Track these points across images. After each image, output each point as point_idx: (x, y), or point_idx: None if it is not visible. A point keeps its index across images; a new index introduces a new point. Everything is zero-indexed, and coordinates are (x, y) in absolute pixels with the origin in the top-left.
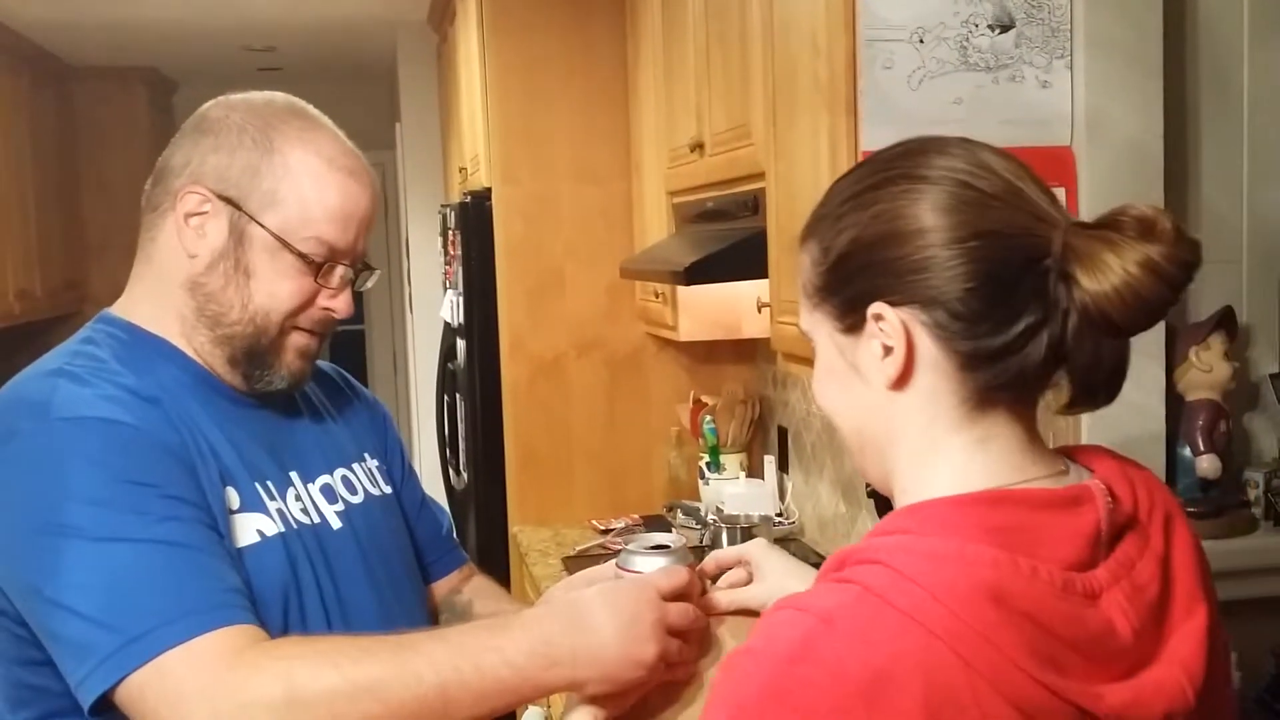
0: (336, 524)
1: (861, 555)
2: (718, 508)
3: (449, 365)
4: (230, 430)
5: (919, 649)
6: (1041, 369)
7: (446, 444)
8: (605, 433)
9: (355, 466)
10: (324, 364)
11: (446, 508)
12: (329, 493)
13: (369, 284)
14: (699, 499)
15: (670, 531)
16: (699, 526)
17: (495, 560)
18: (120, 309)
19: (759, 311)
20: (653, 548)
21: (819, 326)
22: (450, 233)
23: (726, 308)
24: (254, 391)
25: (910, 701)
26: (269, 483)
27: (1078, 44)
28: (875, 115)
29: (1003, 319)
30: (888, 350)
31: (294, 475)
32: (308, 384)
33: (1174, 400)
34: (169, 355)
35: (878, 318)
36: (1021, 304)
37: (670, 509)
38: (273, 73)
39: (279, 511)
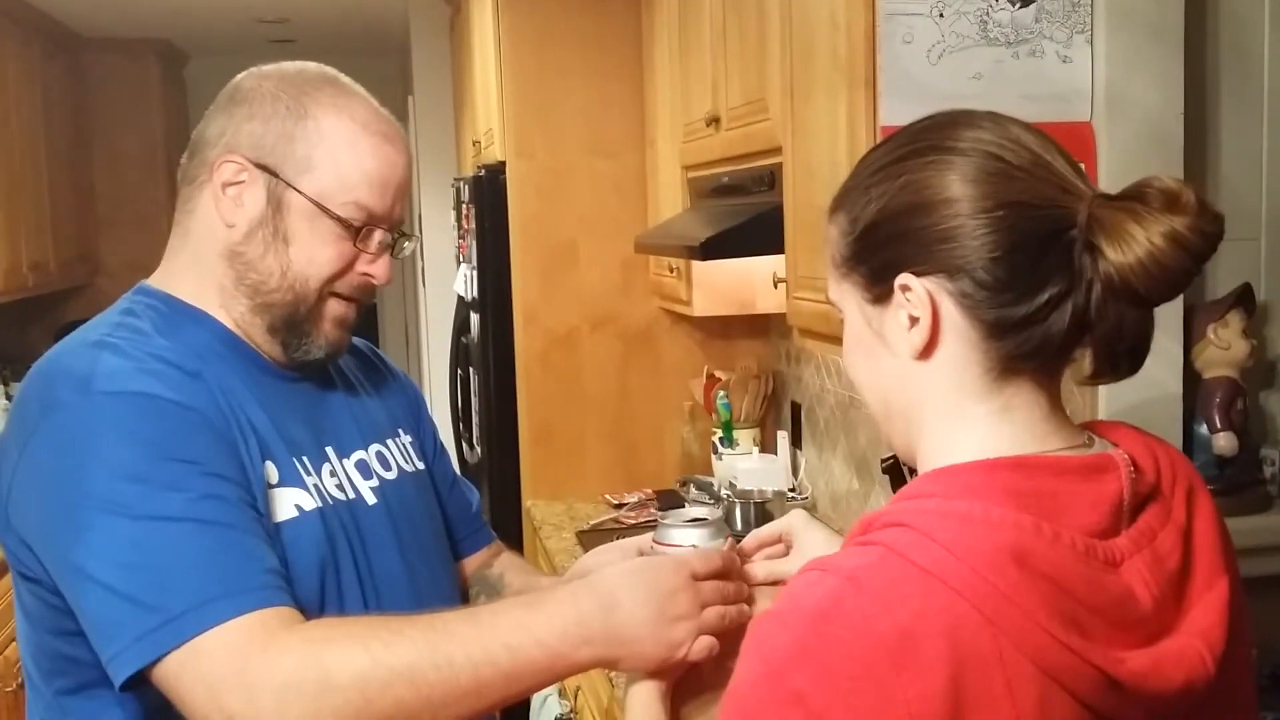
0: (371, 499)
1: (887, 518)
2: (731, 483)
3: (462, 339)
4: (269, 403)
5: (944, 608)
6: (1065, 339)
7: (460, 418)
8: (619, 407)
9: (389, 442)
10: (357, 340)
11: None
12: (364, 468)
13: (406, 251)
14: (712, 474)
15: (686, 505)
16: (712, 501)
17: (509, 534)
18: (159, 281)
19: (775, 287)
20: (690, 520)
21: (847, 297)
22: (464, 206)
23: (741, 283)
24: (292, 362)
25: (936, 659)
26: (305, 458)
27: (1098, 19)
28: (894, 90)
29: (1027, 288)
30: (914, 320)
31: (330, 450)
32: (343, 358)
33: (1191, 377)
34: (209, 327)
35: (904, 288)
36: (1046, 274)
37: (683, 484)
38: (285, 44)
39: (315, 487)
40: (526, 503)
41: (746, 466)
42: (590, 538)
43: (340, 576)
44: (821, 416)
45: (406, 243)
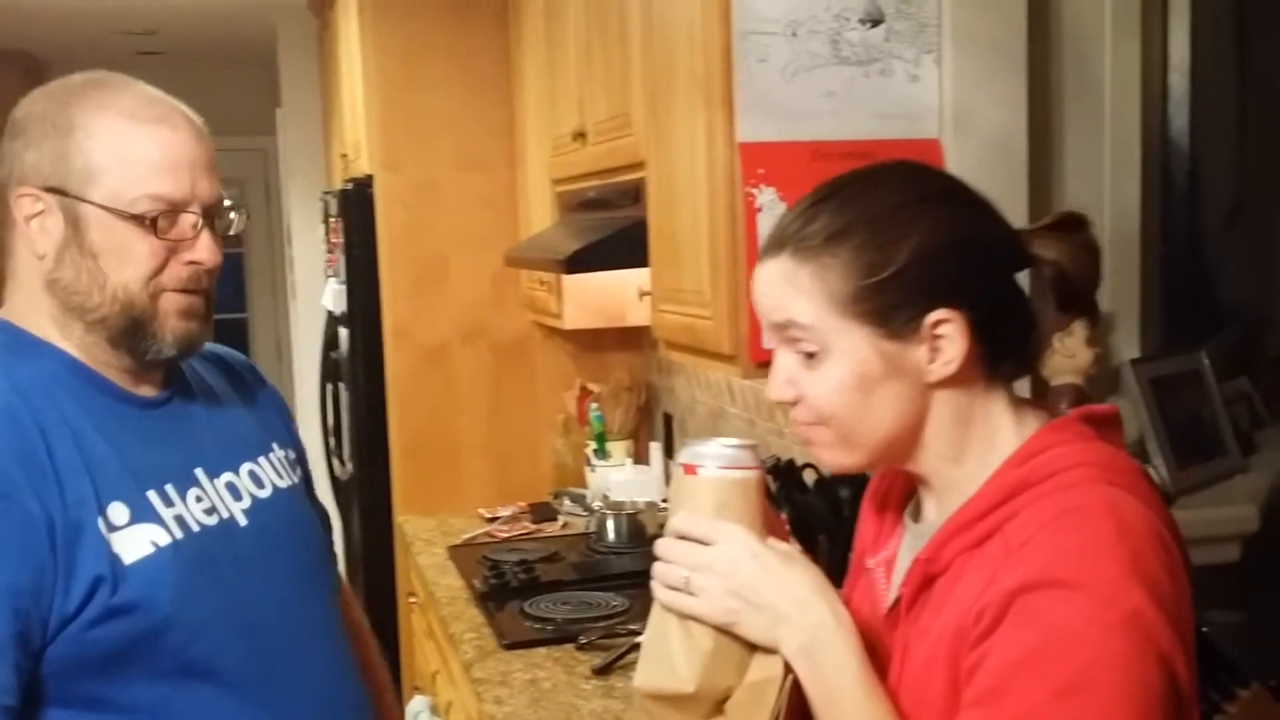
0: (243, 521)
1: (1050, 465)
2: (604, 495)
3: (331, 354)
4: (120, 437)
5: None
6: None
7: (330, 433)
8: (491, 421)
9: (262, 460)
10: (228, 352)
11: (331, 497)
12: (234, 489)
13: (236, 227)
14: (586, 486)
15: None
16: (585, 514)
17: (379, 550)
18: (6, 313)
19: (640, 300)
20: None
21: (847, 334)
22: (332, 220)
23: (611, 296)
24: (147, 366)
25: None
26: (169, 486)
27: (945, 39)
28: (750, 107)
29: (1016, 308)
30: (936, 353)
31: (199, 473)
32: (211, 374)
33: (1039, 384)
34: (55, 358)
35: (939, 323)
36: (1020, 291)
37: (557, 496)
38: (152, 56)
39: (177, 518)
40: (398, 518)
41: (620, 478)
42: (462, 553)
43: (206, 605)
44: (693, 427)
45: (233, 215)
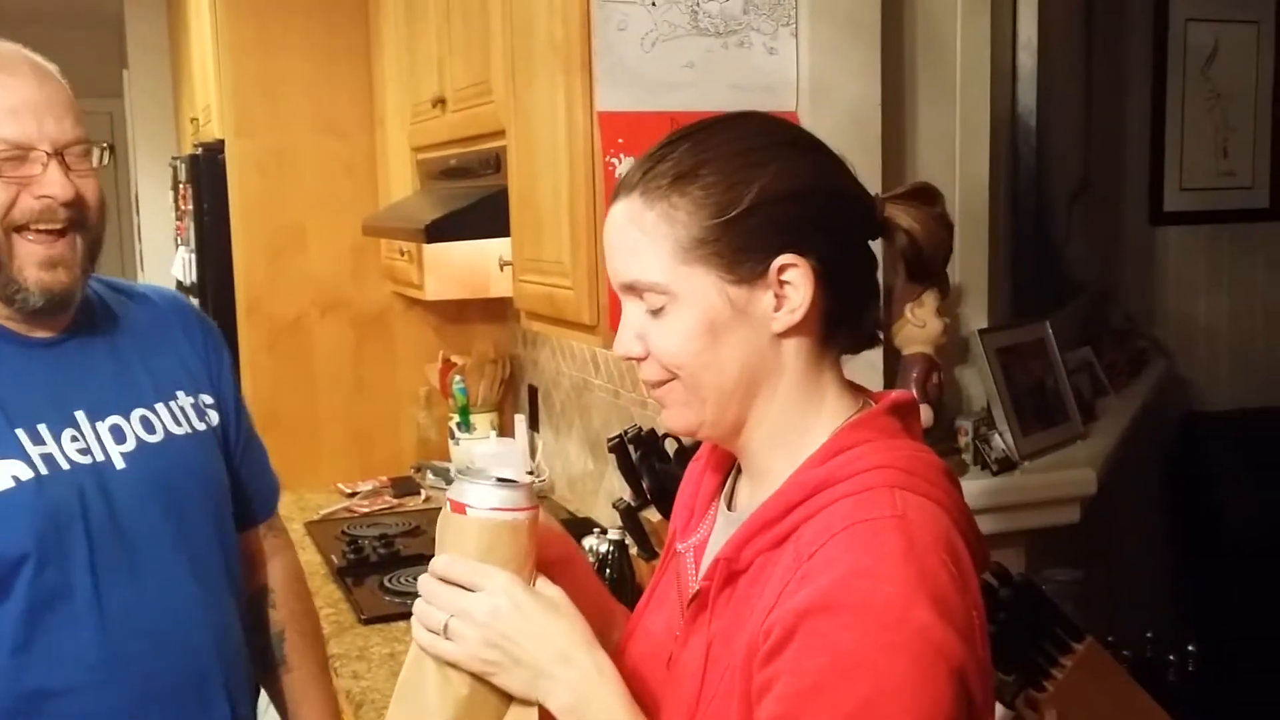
0: (120, 464)
1: (854, 466)
2: (468, 468)
3: None
4: None
5: (946, 522)
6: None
7: None
8: (352, 394)
9: (159, 406)
10: (160, 292)
11: None
12: (118, 432)
13: (97, 160)
14: (449, 459)
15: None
16: (448, 487)
17: None
18: None
19: (501, 270)
20: (498, 479)
21: (693, 279)
22: (181, 186)
23: (474, 266)
24: (23, 314)
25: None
26: (40, 425)
27: (802, 12)
28: (610, 76)
29: (867, 272)
30: (782, 300)
31: (79, 415)
32: (130, 316)
33: (891, 354)
34: None
35: (784, 269)
36: (872, 258)
37: (419, 469)
38: None
39: (45, 456)
40: None
41: (484, 450)
42: (320, 528)
43: (66, 541)
44: (558, 399)
45: (95, 150)
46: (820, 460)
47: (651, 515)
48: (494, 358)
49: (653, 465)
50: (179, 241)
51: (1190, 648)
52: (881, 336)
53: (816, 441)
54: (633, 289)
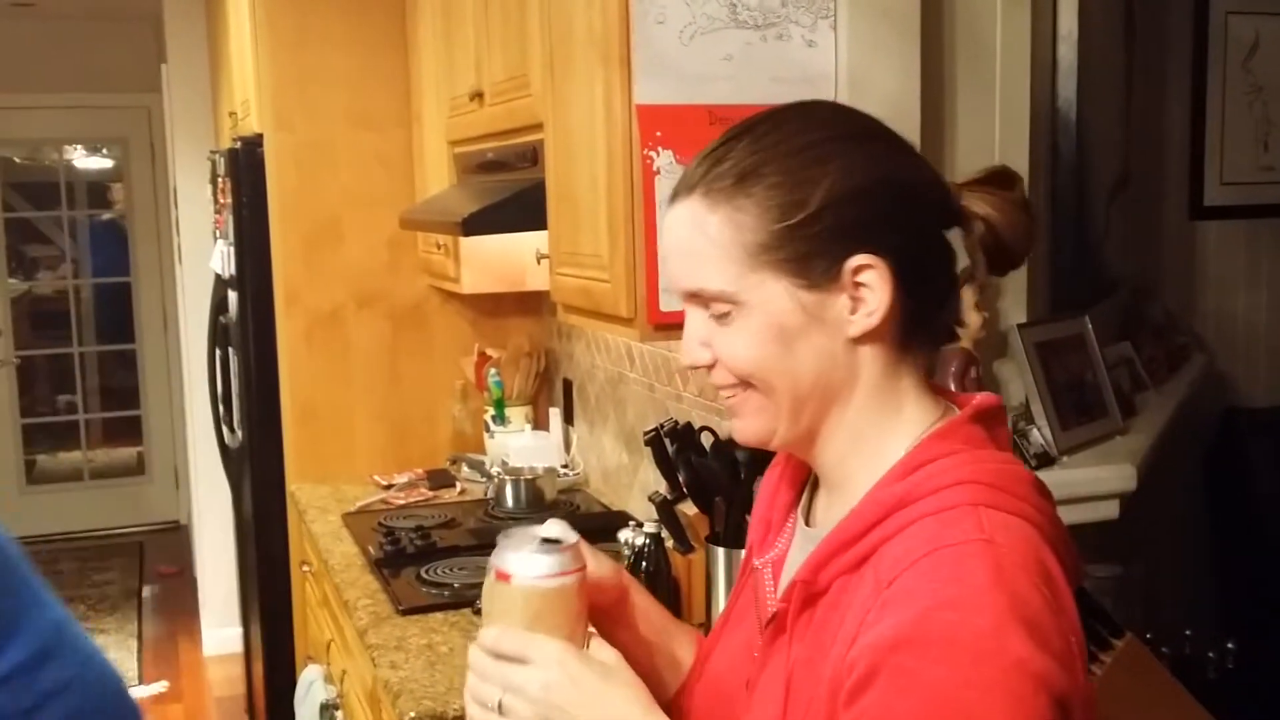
0: None
1: (938, 480)
2: (503, 461)
3: (220, 319)
4: None
5: (1039, 542)
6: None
7: (219, 401)
8: (388, 387)
9: None
10: None
11: (221, 466)
12: None
13: None
14: (484, 453)
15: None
16: (483, 480)
17: (271, 520)
18: None
19: (538, 263)
20: (541, 540)
21: (762, 286)
22: (220, 180)
23: (510, 260)
24: None
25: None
26: None
27: (841, 5)
28: (648, 69)
29: (940, 266)
30: (859, 302)
31: None
32: None
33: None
34: None
35: (860, 269)
36: (949, 249)
37: (455, 462)
38: (24, 8)
39: None
40: (291, 486)
41: (519, 444)
42: (356, 520)
43: None
44: (592, 393)
45: None
46: (900, 475)
47: (687, 509)
48: (529, 351)
49: (689, 459)
50: (217, 235)
51: (1230, 645)
52: (958, 330)
53: (896, 452)
54: (697, 296)
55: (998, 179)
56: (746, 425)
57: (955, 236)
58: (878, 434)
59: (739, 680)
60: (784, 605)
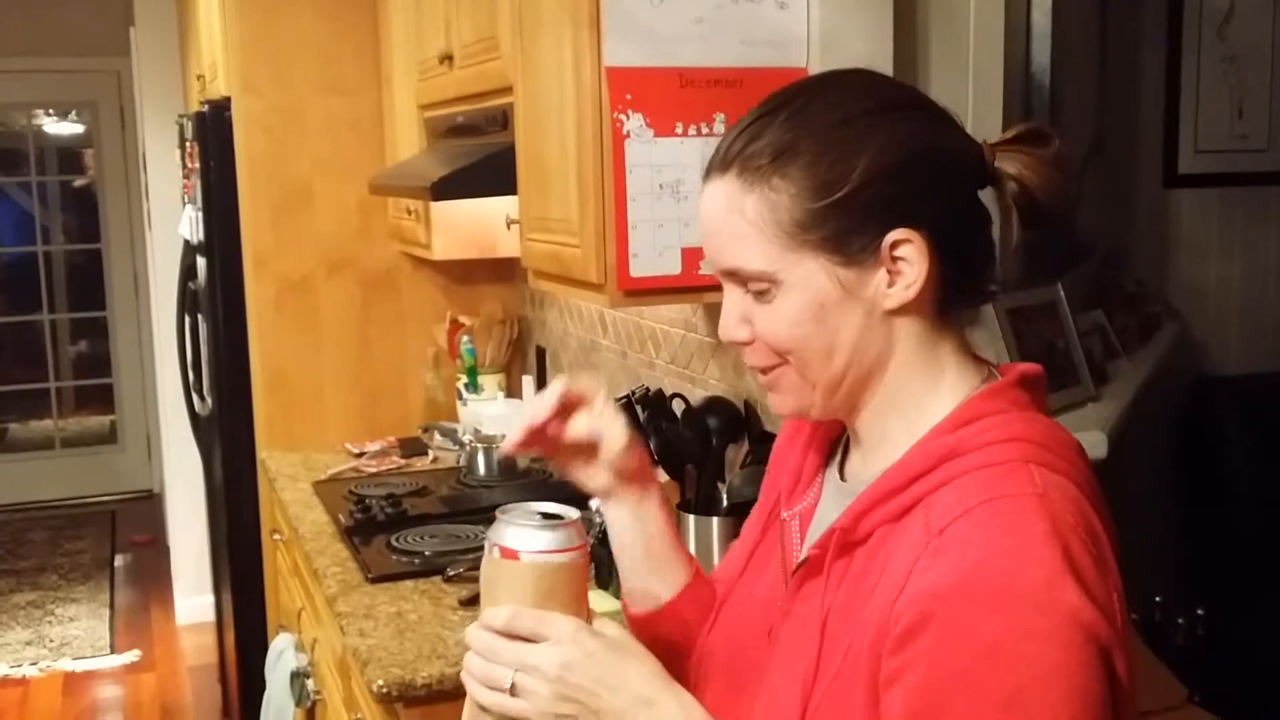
0: None
1: (984, 437)
2: (476, 429)
3: (189, 285)
4: None
5: (1079, 499)
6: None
7: (189, 368)
8: (358, 354)
9: None
10: None
11: (191, 433)
12: None
13: None
14: (457, 420)
15: (430, 448)
16: (456, 448)
17: (241, 488)
18: None
19: (508, 229)
20: (542, 516)
21: (798, 265)
22: (188, 144)
23: (481, 226)
24: None
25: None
26: None
27: None
28: (617, 31)
29: (977, 232)
30: (896, 276)
31: None
32: None
33: None
34: None
35: (898, 244)
36: (985, 213)
37: (426, 430)
38: None
39: None
40: (261, 454)
41: (492, 412)
42: (327, 488)
43: None
44: (566, 360)
45: None
46: (950, 428)
47: (658, 475)
48: (502, 318)
49: (660, 425)
50: (186, 199)
51: (1199, 611)
52: (996, 291)
53: (939, 412)
54: (735, 275)
55: (1031, 137)
56: (784, 400)
57: (989, 197)
58: (919, 398)
59: (758, 630)
60: (817, 551)
